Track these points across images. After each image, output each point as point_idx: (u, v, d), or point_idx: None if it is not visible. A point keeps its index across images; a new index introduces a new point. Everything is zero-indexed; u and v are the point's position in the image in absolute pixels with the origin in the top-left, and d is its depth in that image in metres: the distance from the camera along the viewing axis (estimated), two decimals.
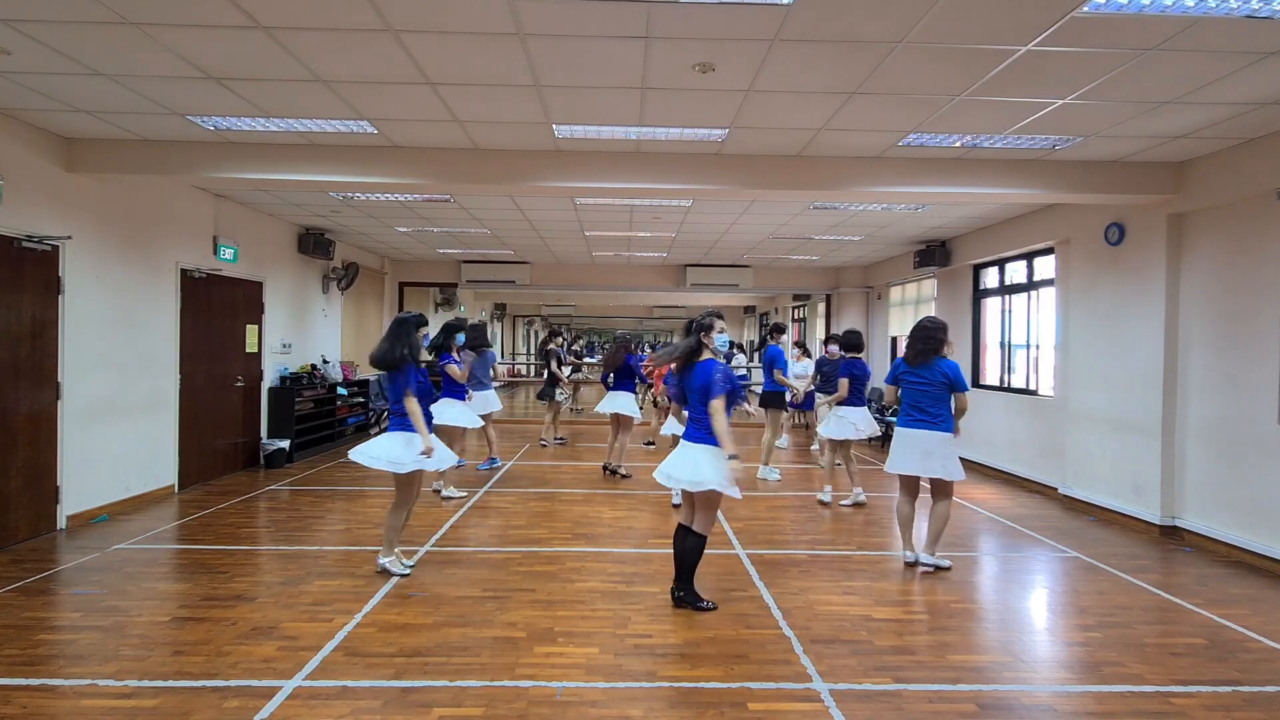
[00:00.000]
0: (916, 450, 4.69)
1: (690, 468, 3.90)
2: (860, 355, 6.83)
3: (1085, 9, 3.30)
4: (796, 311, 17.10)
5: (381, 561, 4.51)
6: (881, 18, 3.44)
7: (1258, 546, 5.03)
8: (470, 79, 4.27)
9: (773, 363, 7.82)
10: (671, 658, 3.41)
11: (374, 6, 3.41)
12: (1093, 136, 5.11)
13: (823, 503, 6.63)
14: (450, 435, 6.35)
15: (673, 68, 4.06)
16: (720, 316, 4.12)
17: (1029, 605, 4.34)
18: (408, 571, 4.52)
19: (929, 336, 4.75)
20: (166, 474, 6.72)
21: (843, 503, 6.63)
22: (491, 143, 5.54)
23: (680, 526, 4.10)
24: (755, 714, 2.92)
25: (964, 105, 4.55)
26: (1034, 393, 7.94)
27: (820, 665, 3.36)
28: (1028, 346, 8.17)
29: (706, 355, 4.01)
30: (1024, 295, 8.23)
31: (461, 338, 6.76)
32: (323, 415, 9.28)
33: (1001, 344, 8.72)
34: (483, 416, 7.41)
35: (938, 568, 4.74)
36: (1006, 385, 8.55)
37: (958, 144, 5.35)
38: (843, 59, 3.91)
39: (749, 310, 22.51)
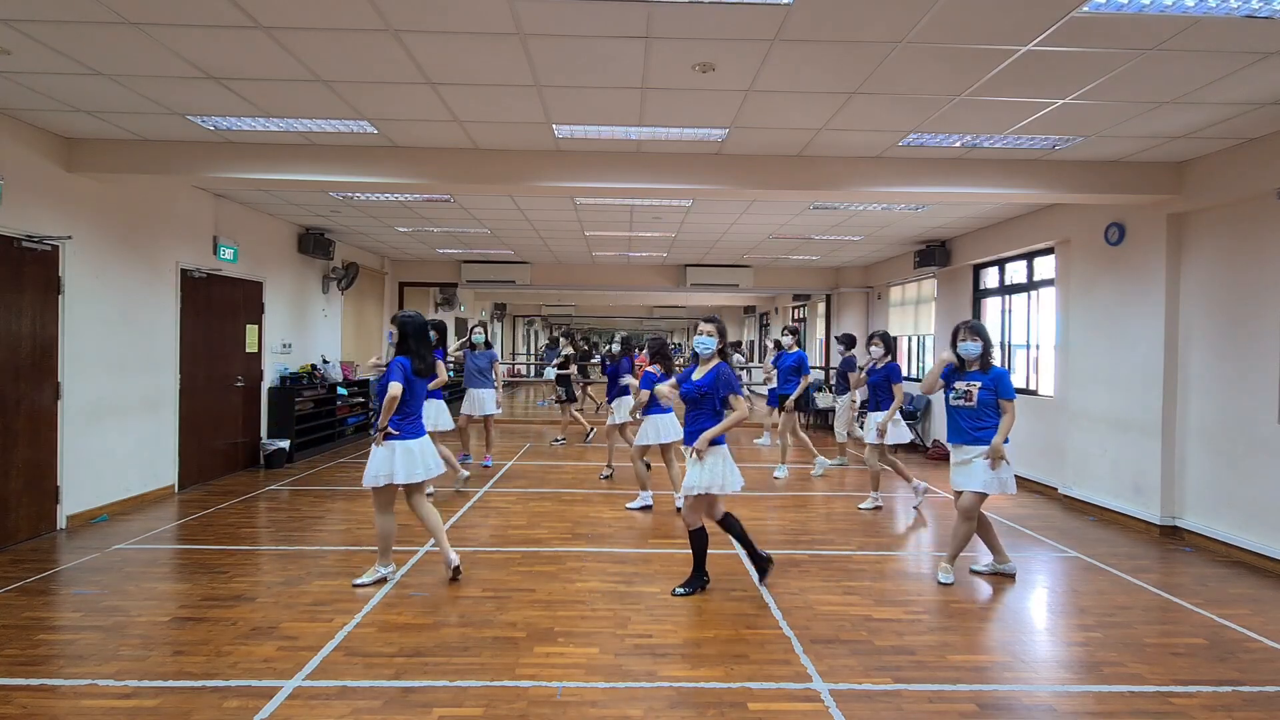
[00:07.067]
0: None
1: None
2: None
3: (1085, 9, 3.30)
4: (796, 311, 17.09)
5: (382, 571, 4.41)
6: (881, 18, 3.44)
7: (1258, 546, 5.03)
8: (470, 79, 4.27)
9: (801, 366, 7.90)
10: (671, 658, 3.41)
11: (374, 6, 3.41)
12: (1093, 136, 5.11)
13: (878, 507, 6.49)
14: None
15: (673, 68, 4.06)
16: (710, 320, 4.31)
17: (1029, 605, 4.33)
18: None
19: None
20: (166, 474, 6.72)
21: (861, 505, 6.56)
22: (492, 143, 5.54)
23: (702, 528, 4.29)
24: (755, 714, 2.92)
25: (964, 105, 4.55)
26: (1034, 393, 7.94)
27: (820, 665, 3.35)
28: (1028, 346, 8.17)
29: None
30: (1024, 295, 8.23)
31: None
32: (323, 415, 9.28)
33: (1001, 344, 8.71)
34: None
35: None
36: None
37: (958, 144, 5.35)
38: (843, 59, 3.91)
39: (749, 310, 22.50)
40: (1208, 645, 3.68)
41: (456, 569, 4.36)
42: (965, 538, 4.55)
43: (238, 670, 3.22)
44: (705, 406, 4.14)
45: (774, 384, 8.40)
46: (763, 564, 4.43)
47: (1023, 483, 7.82)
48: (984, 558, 4.85)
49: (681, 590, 4.24)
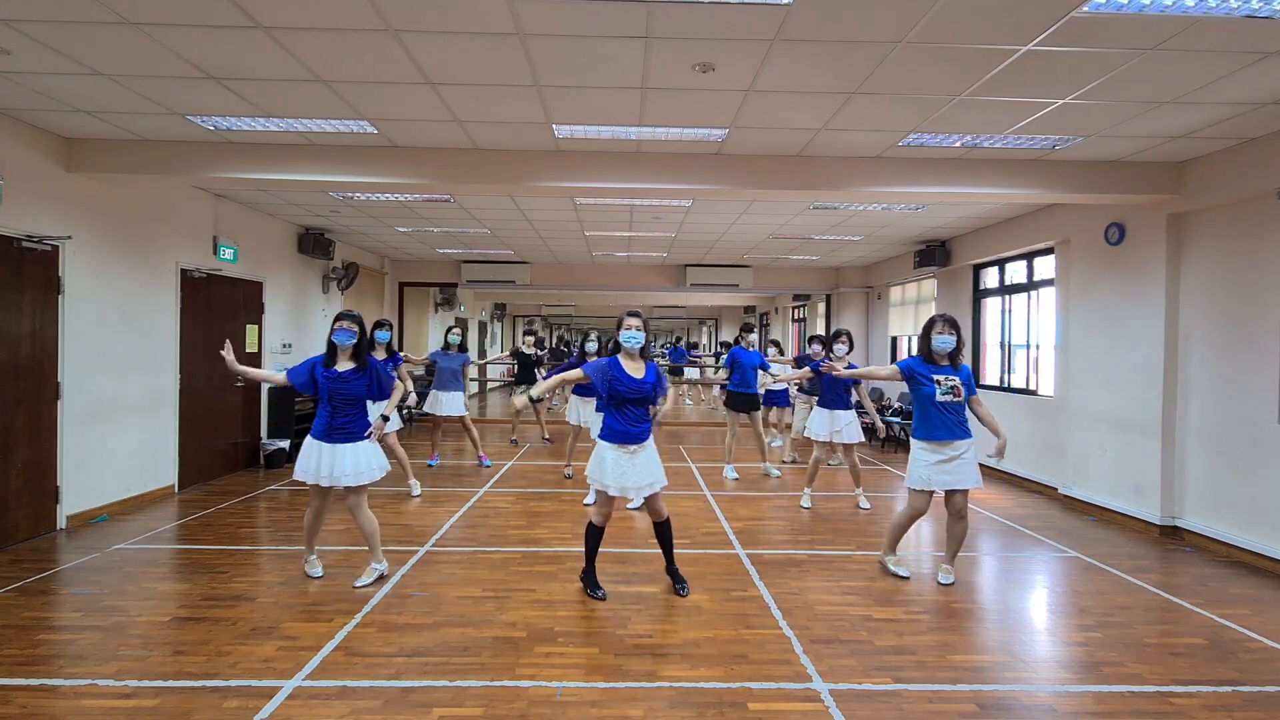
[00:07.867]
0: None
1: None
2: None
3: (1085, 9, 3.30)
4: (796, 311, 17.10)
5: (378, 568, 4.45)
6: (881, 18, 3.44)
7: (1258, 546, 5.03)
8: (470, 79, 4.27)
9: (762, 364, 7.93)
10: (671, 658, 3.41)
11: (374, 6, 3.41)
12: (1093, 136, 5.11)
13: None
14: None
15: (673, 68, 4.06)
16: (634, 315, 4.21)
17: (1029, 605, 4.33)
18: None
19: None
20: (166, 474, 6.72)
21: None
22: (492, 143, 5.54)
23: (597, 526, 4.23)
24: (755, 714, 2.92)
25: (964, 105, 4.55)
26: (1034, 393, 7.94)
27: (820, 665, 3.36)
28: (1028, 346, 8.17)
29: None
30: (1024, 295, 8.23)
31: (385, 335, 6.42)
32: None
33: (1001, 344, 8.72)
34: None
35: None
36: (1006, 385, 8.55)
37: (958, 144, 5.35)
38: (843, 59, 3.92)
39: (749, 310, 22.50)
40: (1208, 645, 3.68)
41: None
42: (962, 536, 4.55)
43: (238, 670, 3.22)
44: (645, 404, 4.17)
45: (771, 385, 8.44)
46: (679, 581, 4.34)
47: (1023, 482, 7.83)
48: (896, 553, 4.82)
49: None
